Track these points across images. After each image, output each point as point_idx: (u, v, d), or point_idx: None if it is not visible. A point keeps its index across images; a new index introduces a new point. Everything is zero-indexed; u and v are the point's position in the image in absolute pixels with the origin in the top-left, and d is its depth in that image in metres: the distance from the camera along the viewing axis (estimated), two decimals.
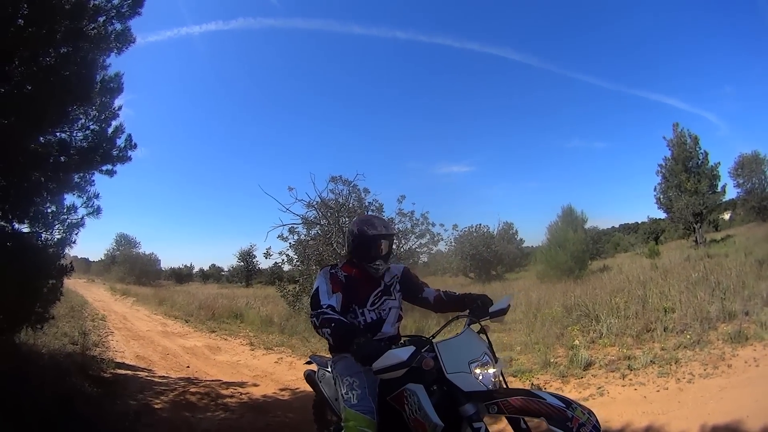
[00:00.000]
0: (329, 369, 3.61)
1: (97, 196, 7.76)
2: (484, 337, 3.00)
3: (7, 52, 6.13)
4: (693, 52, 67.01)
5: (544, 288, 17.96)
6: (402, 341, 3.19)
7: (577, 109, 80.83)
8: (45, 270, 7.02)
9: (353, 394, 3.04)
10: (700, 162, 29.37)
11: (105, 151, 7.71)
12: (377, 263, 3.38)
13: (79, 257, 67.23)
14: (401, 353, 2.53)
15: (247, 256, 54.23)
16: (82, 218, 7.56)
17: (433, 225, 16.92)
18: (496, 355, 2.91)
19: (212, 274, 66.43)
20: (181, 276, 60.88)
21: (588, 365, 7.14)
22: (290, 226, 15.89)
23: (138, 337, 13.51)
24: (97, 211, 7.74)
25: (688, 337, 7.50)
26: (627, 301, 10.12)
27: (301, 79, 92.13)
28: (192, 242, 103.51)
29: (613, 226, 59.98)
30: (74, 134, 7.61)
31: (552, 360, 7.60)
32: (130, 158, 8.03)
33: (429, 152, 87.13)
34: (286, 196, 15.81)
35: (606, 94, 73.08)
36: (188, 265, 66.91)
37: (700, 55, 66.96)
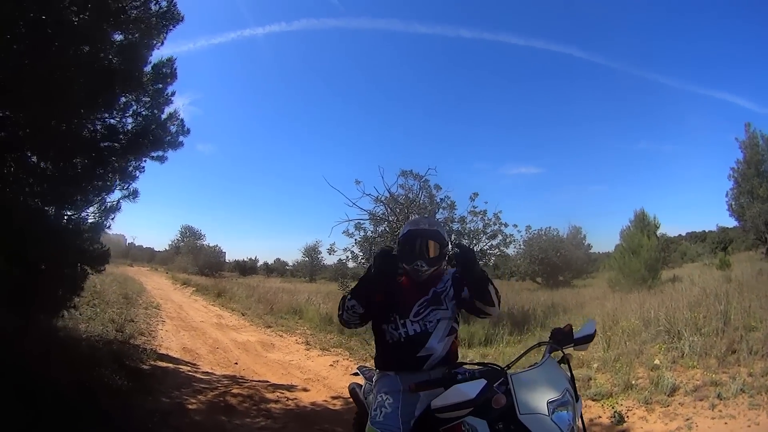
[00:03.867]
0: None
1: (134, 178, 7.70)
2: (565, 367, 2.57)
3: (52, 38, 5.95)
4: (759, 48, 63.87)
5: (617, 297, 16.88)
6: (465, 372, 2.74)
7: (645, 109, 78.54)
8: (75, 254, 6.88)
9: (381, 411, 2.76)
10: None
11: (155, 137, 7.61)
12: (416, 264, 2.92)
13: (144, 246, 70.27)
14: (469, 389, 2.20)
15: (312, 252, 54.14)
16: (118, 202, 7.47)
17: (506, 225, 15.88)
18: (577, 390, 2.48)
19: (276, 268, 67.11)
20: (245, 269, 61.67)
21: (672, 390, 6.27)
22: (356, 221, 15.03)
23: (190, 327, 13.20)
24: (133, 195, 7.64)
25: None
26: (706, 316, 9.06)
27: (367, 77, 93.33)
28: (258, 236, 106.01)
29: (680, 234, 57.88)
30: (124, 120, 7.56)
31: (633, 382, 6.73)
32: (182, 144, 8.00)
33: (496, 153, 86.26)
34: (352, 191, 14.88)
35: (674, 93, 70.59)
36: (253, 258, 67.81)
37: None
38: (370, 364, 3.73)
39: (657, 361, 7.34)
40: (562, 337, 2.66)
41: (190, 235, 57.59)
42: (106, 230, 7.48)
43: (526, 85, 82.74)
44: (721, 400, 5.77)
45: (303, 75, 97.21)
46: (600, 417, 5.79)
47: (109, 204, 7.28)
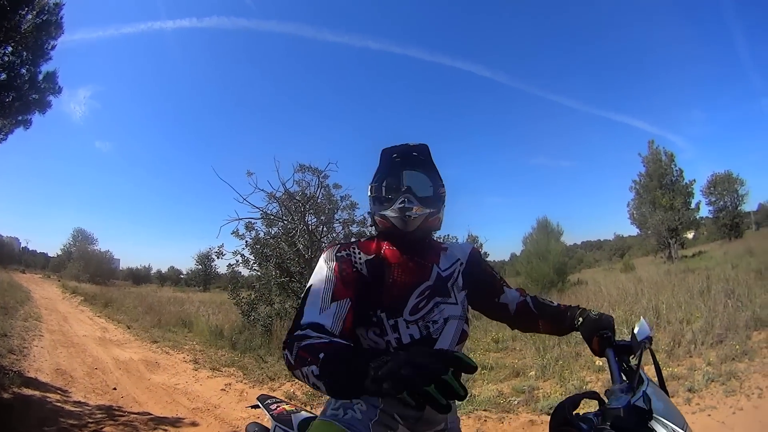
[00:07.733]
0: (287, 426, 2.19)
1: None
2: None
3: None
4: (662, 77, 69.91)
5: None
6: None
7: (544, 127, 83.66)
8: None
9: (347, 413, 1.78)
10: (674, 179, 30.74)
11: (26, 98, 7.02)
12: (403, 200, 1.81)
13: (38, 252, 66.48)
14: None
15: (205, 260, 53.58)
16: None
17: None
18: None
19: (170, 277, 66.23)
20: (139, 277, 60.83)
21: None
22: (247, 221, 13.52)
23: (70, 343, 12.06)
24: None
25: (737, 347, 6.93)
26: (633, 313, 9.62)
27: (273, 81, 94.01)
28: (153, 243, 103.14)
29: (575, 243, 62.41)
30: None
31: (585, 388, 6.46)
32: (50, 104, 7.42)
33: None
34: (244, 186, 13.41)
35: (574, 114, 75.78)
36: (146, 266, 67.69)
37: (670, 80, 70.33)
38: (270, 388, 2.76)
39: (599, 362, 7.20)
40: (628, 345, 1.83)
41: (82, 239, 55.09)
42: None
43: (426, 97, 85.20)
44: (693, 393, 5.80)
45: (207, 74, 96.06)
46: None
47: None
